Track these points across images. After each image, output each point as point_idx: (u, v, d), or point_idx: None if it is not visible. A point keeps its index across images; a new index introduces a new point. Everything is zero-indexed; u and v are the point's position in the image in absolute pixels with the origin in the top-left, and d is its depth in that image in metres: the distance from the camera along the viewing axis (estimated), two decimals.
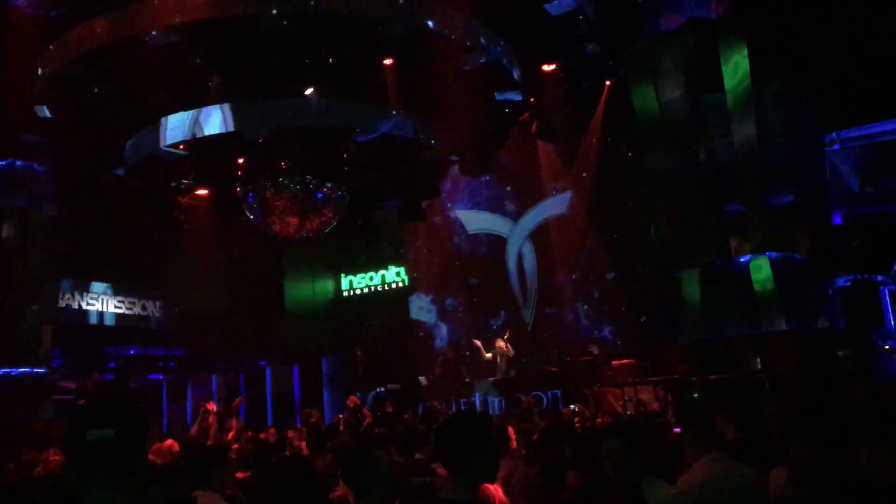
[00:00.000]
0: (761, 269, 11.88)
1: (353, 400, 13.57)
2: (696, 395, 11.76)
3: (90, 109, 13.29)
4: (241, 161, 14.14)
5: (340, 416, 13.40)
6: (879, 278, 13.53)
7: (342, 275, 24.20)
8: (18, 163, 15.28)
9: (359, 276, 23.96)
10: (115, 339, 18.71)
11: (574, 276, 20.05)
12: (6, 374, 14.78)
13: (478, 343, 19.17)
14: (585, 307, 19.94)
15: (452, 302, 22.32)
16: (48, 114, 13.42)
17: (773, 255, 11.89)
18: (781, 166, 11.84)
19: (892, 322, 14.88)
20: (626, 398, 13.76)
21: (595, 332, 19.42)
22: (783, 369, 11.43)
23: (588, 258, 19.80)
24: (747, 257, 11.99)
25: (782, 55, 11.75)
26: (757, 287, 11.87)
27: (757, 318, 11.80)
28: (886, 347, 14.48)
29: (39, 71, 12.50)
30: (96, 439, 2.11)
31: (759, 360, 12.05)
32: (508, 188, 21.61)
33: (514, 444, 7.71)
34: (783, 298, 11.79)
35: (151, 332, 19.25)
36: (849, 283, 13.16)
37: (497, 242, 21.83)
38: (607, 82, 16.63)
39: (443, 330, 22.28)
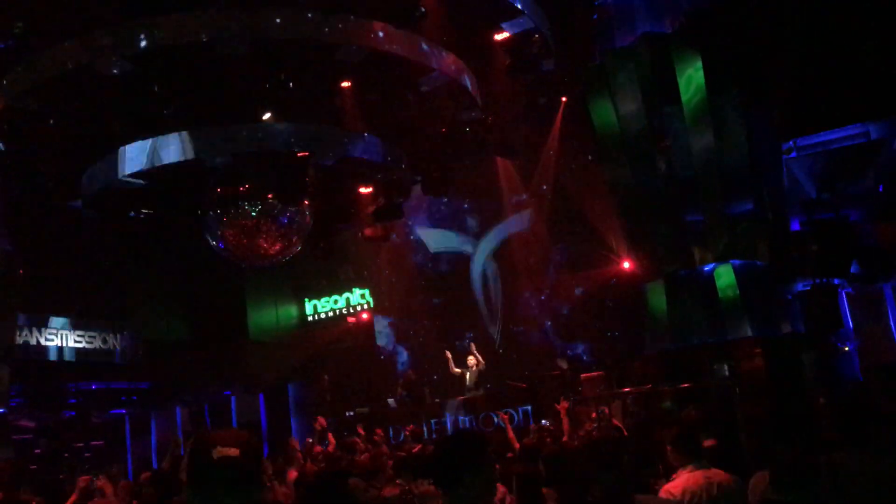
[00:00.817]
0: (725, 277, 12.04)
1: (321, 422, 13.47)
2: (668, 405, 11.83)
3: (45, 141, 13.05)
4: (200, 188, 13.98)
5: (309, 440, 13.29)
6: (837, 281, 13.80)
7: (306, 299, 23.98)
8: None
9: (323, 299, 23.77)
10: (76, 375, 18.26)
11: (542, 296, 20.12)
12: None
13: (448, 354, 19.05)
14: (550, 324, 20.03)
15: (413, 323, 22.27)
16: (1, 147, 13.17)
17: (736, 262, 12.07)
18: (740, 175, 12.03)
19: (851, 324, 15.19)
20: (598, 410, 13.78)
21: (566, 348, 19.51)
22: (750, 375, 11.56)
23: (555, 273, 19.92)
24: (710, 266, 12.15)
25: (737, 66, 11.97)
26: (721, 295, 12.02)
27: (723, 326, 11.94)
28: (846, 349, 14.76)
29: None
30: (221, 458, 2.27)
31: (726, 366, 12.17)
32: (467, 205, 21.68)
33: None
34: (747, 305, 11.95)
35: (113, 366, 18.81)
36: (808, 288, 13.39)
37: (460, 260, 21.86)
38: (563, 98, 16.82)
39: (403, 355, 22.23)
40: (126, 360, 18.95)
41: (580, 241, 19.41)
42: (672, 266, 12.50)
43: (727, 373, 12.10)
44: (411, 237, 22.39)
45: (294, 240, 14.16)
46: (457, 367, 18.51)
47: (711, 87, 11.85)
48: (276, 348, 22.91)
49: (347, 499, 3.91)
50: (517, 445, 9.55)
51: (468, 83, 13.60)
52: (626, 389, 13.86)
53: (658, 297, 12.53)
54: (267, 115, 13.31)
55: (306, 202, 14.47)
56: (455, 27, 12.57)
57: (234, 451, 2.29)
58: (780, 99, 12.43)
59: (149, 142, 12.59)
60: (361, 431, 14.35)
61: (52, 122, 12.46)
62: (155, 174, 13.13)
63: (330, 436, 13.14)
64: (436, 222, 22.12)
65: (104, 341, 18.50)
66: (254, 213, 13.46)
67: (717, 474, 5.14)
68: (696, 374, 12.07)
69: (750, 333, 11.87)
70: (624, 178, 12.82)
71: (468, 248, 21.71)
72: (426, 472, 6.52)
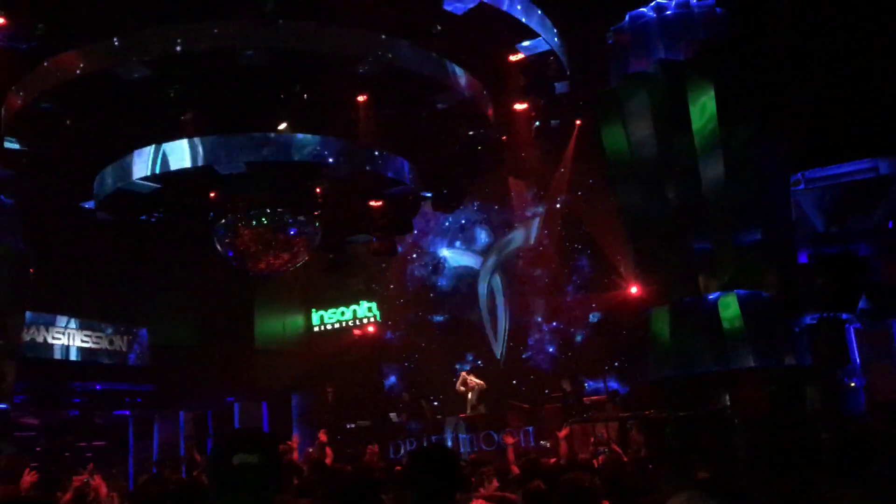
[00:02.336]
0: (730, 307, 12.02)
1: (322, 437, 13.51)
2: (667, 432, 11.79)
3: (61, 142, 13.19)
4: (212, 195, 14.08)
5: (310, 450, 13.32)
6: (845, 316, 13.73)
7: (313, 310, 24.05)
8: None
9: (330, 311, 23.84)
10: (81, 375, 18.35)
11: (553, 323, 20.03)
12: None
13: (464, 375, 18.99)
14: (553, 349, 19.94)
15: (417, 339, 22.25)
16: (18, 146, 13.33)
17: (742, 292, 12.04)
18: (749, 205, 12.04)
19: (857, 359, 15.09)
20: (597, 435, 13.76)
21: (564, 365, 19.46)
22: (752, 406, 11.52)
23: (570, 298, 19.81)
24: (716, 295, 12.13)
25: (750, 96, 12.00)
26: (725, 324, 11.99)
27: (726, 355, 11.91)
28: (852, 385, 14.66)
29: (10, 103, 12.46)
30: (241, 464, 2.35)
31: (728, 396, 12.13)
32: (476, 218, 21.69)
33: (494, 482, 7.73)
34: (751, 335, 11.91)
35: (118, 368, 18.90)
36: (815, 321, 13.34)
37: (468, 277, 21.86)
38: (577, 122, 16.87)
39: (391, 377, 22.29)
40: (132, 362, 19.04)
41: (590, 265, 19.40)
42: (677, 293, 12.49)
43: (728, 403, 12.06)
44: (423, 254, 22.43)
45: (301, 251, 14.22)
46: (460, 385, 18.57)
47: (723, 117, 11.88)
48: (281, 357, 22.98)
49: None
50: (515, 470, 9.50)
51: (483, 102, 13.67)
52: (626, 414, 13.85)
53: (662, 324, 12.51)
54: (282, 126, 13.42)
55: (316, 213, 14.55)
56: (471, 46, 12.64)
57: (253, 458, 2.38)
58: (791, 131, 12.44)
59: (163, 146, 12.70)
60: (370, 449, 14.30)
61: (69, 122, 12.58)
62: (168, 179, 13.25)
63: (328, 449, 13.17)
64: (447, 236, 22.11)
65: (111, 342, 18.61)
66: (263, 223, 13.53)
67: None
68: (698, 402, 12.04)
69: (753, 364, 11.83)
70: (634, 203, 12.84)
71: (476, 265, 21.72)
72: None
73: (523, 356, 20.45)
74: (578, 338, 19.78)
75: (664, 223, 12.42)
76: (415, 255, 22.15)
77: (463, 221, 21.75)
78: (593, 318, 19.16)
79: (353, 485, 4.55)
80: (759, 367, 11.88)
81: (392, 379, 22.50)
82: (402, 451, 17.64)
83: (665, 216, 12.38)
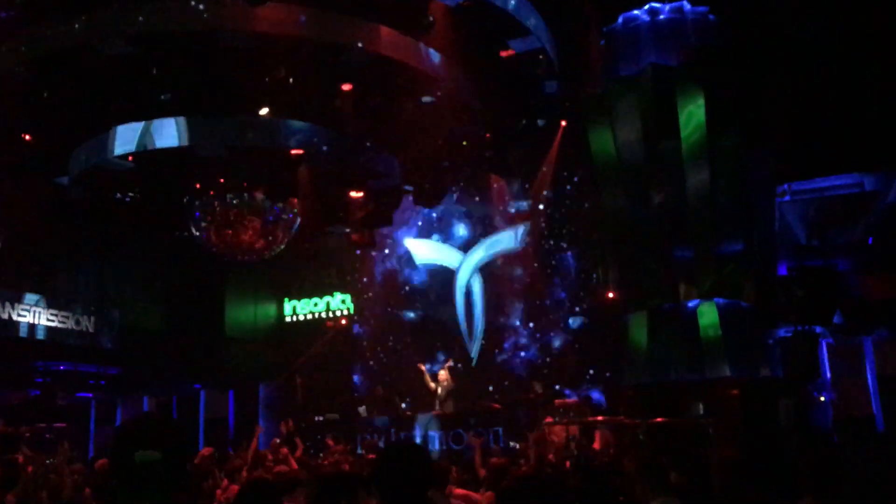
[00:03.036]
0: (708, 315, 12.00)
1: (287, 425, 13.31)
2: (640, 438, 11.74)
3: (37, 114, 12.86)
4: (190, 176, 13.83)
5: (276, 440, 13.13)
6: (819, 330, 13.78)
7: (286, 300, 23.75)
8: None
9: (303, 301, 23.54)
10: (45, 354, 17.95)
11: (532, 324, 19.90)
12: None
13: (422, 368, 18.89)
14: (530, 354, 19.82)
15: (389, 334, 22.06)
16: None
17: (720, 301, 12.03)
18: (732, 215, 12.03)
19: (829, 374, 15.17)
20: (571, 437, 13.67)
21: (542, 372, 19.34)
22: (726, 416, 11.50)
23: (551, 305, 19.66)
24: (695, 302, 12.11)
25: (738, 106, 11.99)
26: (703, 333, 11.98)
27: (702, 364, 11.89)
28: (822, 399, 14.73)
29: None
30: (143, 461, 2.28)
31: (701, 405, 12.12)
32: (459, 213, 21.46)
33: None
34: (728, 345, 11.91)
35: (83, 349, 18.50)
36: (789, 334, 13.36)
37: (444, 274, 21.68)
38: (562, 122, 16.80)
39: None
40: (98, 343, 18.66)
41: (573, 268, 19.33)
42: (656, 300, 12.45)
43: (702, 411, 12.05)
44: (396, 248, 22.20)
45: (279, 237, 14.01)
46: (430, 381, 18.42)
47: (711, 125, 11.85)
48: (250, 346, 22.65)
49: None
50: (482, 472, 9.37)
51: (470, 97, 13.55)
52: (599, 418, 13.78)
53: (639, 330, 12.47)
54: (264, 111, 13.20)
55: (295, 200, 14.35)
56: (462, 40, 12.51)
57: (155, 455, 2.29)
58: (778, 142, 12.45)
59: (142, 125, 12.44)
60: (330, 442, 14.20)
61: (45, 95, 12.27)
62: (145, 158, 12.98)
63: (298, 440, 12.99)
64: (423, 229, 21.87)
65: (77, 322, 18.21)
66: (241, 207, 13.30)
67: None
68: (671, 409, 12.01)
69: (728, 374, 11.83)
70: (617, 207, 12.78)
71: (454, 262, 21.51)
72: None
73: (498, 359, 20.30)
74: (556, 343, 19.64)
75: (647, 228, 12.37)
76: (387, 251, 21.87)
77: (434, 215, 21.46)
78: (573, 323, 19.02)
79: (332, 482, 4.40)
80: (734, 376, 11.88)
81: (358, 375, 22.26)
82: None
83: (648, 221, 12.34)
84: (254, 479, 6.37)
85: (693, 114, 11.99)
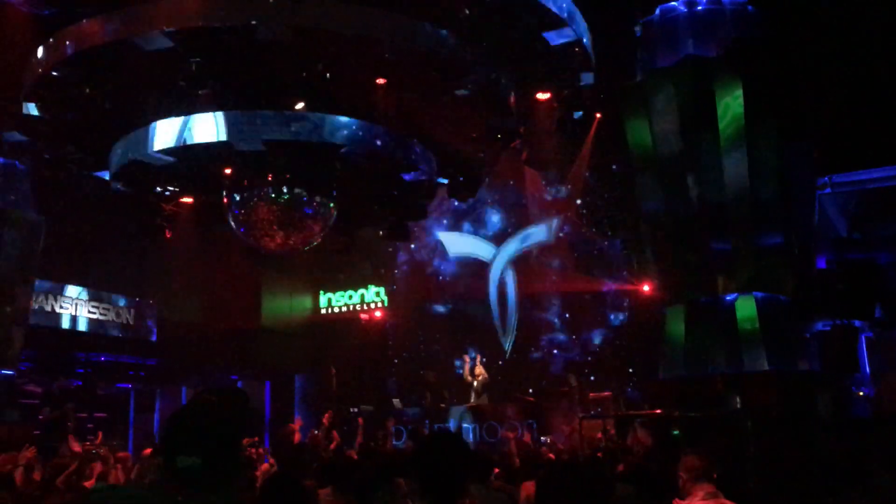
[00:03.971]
0: (746, 309, 11.85)
1: (327, 417, 13.47)
2: (676, 432, 11.68)
3: (80, 110, 13.08)
4: (228, 171, 13.98)
5: (317, 431, 13.28)
6: (858, 324, 13.57)
7: (321, 292, 23.98)
8: (0, 160, 14.99)
9: (338, 294, 23.76)
10: (86, 345, 18.33)
11: (567, 315, 19.80)
12: None
13: (466, 358, 18.95)
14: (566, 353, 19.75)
15: (424, 327, 22.11)
16: (36, 112, 13.22)
17: (759, 294, 11.88)
18: (771, 207, 11.85)
19: (868, 369, 14.96)
20: (604, 431, 13.67)
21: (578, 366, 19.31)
22: (764, 409, 11.38)
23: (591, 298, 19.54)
24: (733, 296, 11.97)
25: (778, 97, 11.81)
26: (741, 326, 11.83)
27: (739, 358, 11.74)
28: (861, 394, 14.53)
29: (31, 68, 12.35)
30: (185, 466, 2.32)
31: (739, 399, 11.99)
32: (492, 204, 21.40)
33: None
34: (766, 338, 11.75)
35: (123, 340, 18.88)
36: (828, 328, 13.18)
37: (478, 267, 21.68)
38: (597, 114, 16.70)
39: None
40: (137, 335, 19.00)
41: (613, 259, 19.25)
42: (694, 293, 12.31)
43: (739, 405, 11.93)
44: (428, 239, 22.25)
45: (316, 230, 14.12)
46: (468, 374, 18.50)
47: (750, 116, 11.69)
48: (286, 338, 22.94)
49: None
50: (517, 462, 9.43)
51: (504, 90, 13.52)
52: (633, 412, 13.74)
53: (677, 323, 12.34)
54: (299, 105, 13.29)
55: (332, 194, 14.45)
56: (496, 32, 12.49)
57: (196, 460, 2.32)
58: (819, 134, 12.25)
59: (181, 120, 12.60)
60: (361, 421, 14.31)
61: (88, 91, 12.46)
62: (184, 153, 13.16)
63: (335, 433, 13.14)
64: (454, 217, 21.86)
65: (118, 315, 18.58)
66: (279, 201, 13.43)
67: None
68: (708, 403, 11.91)
69: (766, 367, 11.68)
70: (654, 199, 12.67)
71: (487, 255, 21.51)
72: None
73: (533, 355, 20.24)
74: (597, 339, 19.53)
75: (684, 221, 12.25)
76: (418, 242, 21.92)
77: (477, 208, 21.41)
78: (615, 319, 18.90)
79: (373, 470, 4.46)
80: (772, 370, 11.74)
81: (392, 367, 22.35)
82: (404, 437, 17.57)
83: (686, 214, 12.20)
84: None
85: (730, 105, 11.83)
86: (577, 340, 19.62)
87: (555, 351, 19.78)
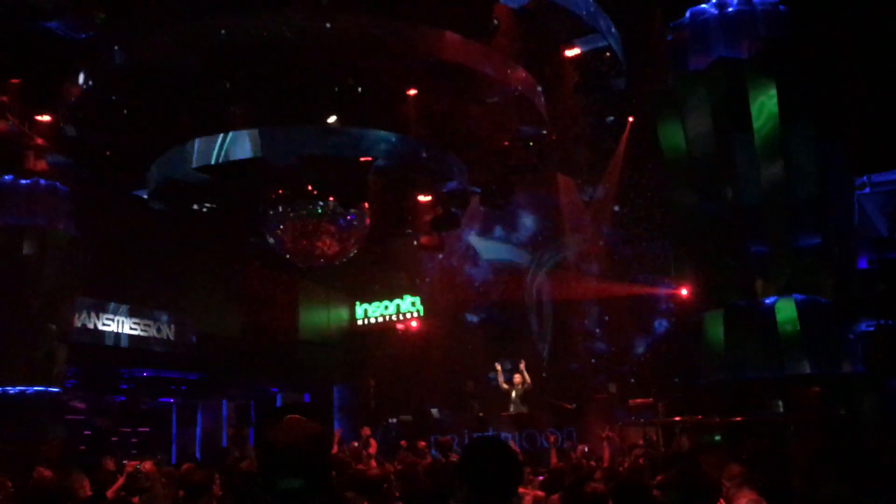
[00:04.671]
0: (785, 311, 11.70)
1: (366, 431, 13.57)
2: (717, 438, 11.57)
3: (117, 130, 13.34)
4: (264, 186, 14.17)
5: (356, 443, 13.36)
6: None
7: (357, 303, 24.11)
8: (42, 181, 15.33)
9: (374, 304, 23.86)
10: (129, 361, 18.63)
11: (612, 348, 19.63)
12: (21, 393, 14.70)
13: (498, 367, 18.95)
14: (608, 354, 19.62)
15: (461, 335, 22.12)
16: (74, 133, 13.52)
17: (798, 297, 11.73)
18: (808, 208, 11.72)
19: None
20: (646, 437, 13.56)
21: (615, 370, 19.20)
22: (807, 413, 11.23)
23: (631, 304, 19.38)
24: (772, 299, 11.83)
25: (813, 96, 11.68)
26: (781, 329, 11.69)
27: (781, 361, 11.60)
28: None
29: (69, 91, 12.63)
30: (287, 489, 2.38)
31: (781, 403, 11.84)
32: (526, 216, 21.39)
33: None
34: (807, 341, 11.59)
35: (165, 355, 19.16)
36: (871, 329, 12.97)
37: (513, 272, 21.66)
38: (630, 118, 16.64)
39: None
40: (179, 350, 19.27)
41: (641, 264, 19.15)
42: (732, 296, 12.19)
43: (782, 409, 11.78)
44: (461, 244, 22.26)
45: (351, 242, 14.25)
46: (504, 382, 18.43)
47: (784, 117, 11.57)
48: (324, 349, 23.10)
49: None
50: (562, 468, 9.42)
51: (535, 98, 13.54)
52: (676, 418, 13.60)
53: (716, 328, 12.22)
54: (332, 119, 13.43)
55: (366, 206, 14.57)
56: (526, 40, 12.51)
57: (298, 483, 2.39)
58: (856, 133, 12.09)
59: (217, 138, 12.80)
60: (403, 444, 14.32)
61: (125, 112, 12.71)
62: (220, 170, 13.35)
63: (372, 440, 13.20)
64: (486, 222, 21.84)
65: (159, 330, 18.86)
66: (314, 215, 13.57)
67: None
68: (749, 408, 11.78)
69: (808, 370, 11.52)
70: (689, 202, 12.58)
71: (521, 260, 21.50)
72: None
73: (572, 364, 20.11)
74: (640, 349, 19.33)
75: (720, 224, 12.15)
76: (451, 249, 21.92)
77: (510, 217, 21.42)
78: (659, 326, 18.73)
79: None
80: (814, 373, 11.57)
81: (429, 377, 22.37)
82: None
83: (721, 216, 12.11)
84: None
85: (765, 105, 11.72)
86: (617, 348, 19.48)
87: (592, 360, 19.65)
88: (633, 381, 18.39)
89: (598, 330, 20.11)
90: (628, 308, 19.52)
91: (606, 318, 19.90)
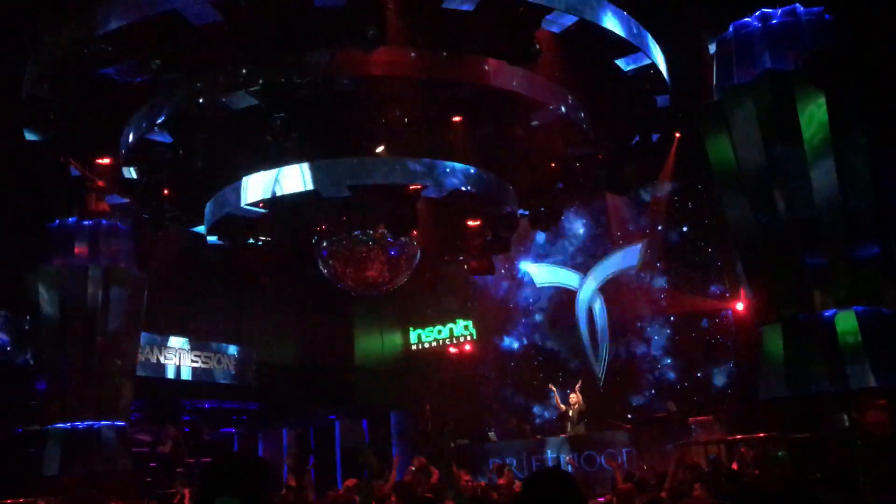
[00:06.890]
0: (847, 324, 11.47)
1: (419, 461, 13.59)
2: (780, 454, 11.36)
3: (173, 170, 13.73)
4: (316, 217, 14.43)
5: (412, 467, 13.40)
6: None
7: (410, 328, 24.27)
8: (104, 222, 15.86)
9: (427, 329, 24.00)
10: (191, 393, 19.04)
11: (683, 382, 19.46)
12: (89, 427, 15.14)
13: (553, 388, 18.89)
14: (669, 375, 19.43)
15: (515, 357, 22.10)
16: (134, 175, 13.96)
17: (859, 308, 11.49)
18: (865, 217, 11.52)
19: None
20: (710, 457, 13.35)
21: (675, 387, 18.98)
22: (874, 428, 10.96)
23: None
24: (832, 311, 11.61)
25: (863, 105, 11.52)
26: (842, 342, 11.45)
27: (844, 375, 11.35)
28: None
29: (126, 134, 13.07)
30: None
31: (846, 417, 11.57)
32: (577, 224, 21.35)
33: None
34: (871, 354, 11.34)
35: (225, 387, 19.54)
36: None
37: (565, 295, 21.59)
38: (676, 134, 16.55)
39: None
40: (239, 381, 19.62)
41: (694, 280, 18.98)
42: (790, 309, 12.00)
43: (847, 424, 11.51)
44: (516, 271, 22.31)
45: (403, 270, 14.40)
46: (561, 402, 18.38)
47: (835, 126, 11.42)
48: (380, 375, 23.28)
49: None
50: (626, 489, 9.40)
51: (580, 118, 13.57)
52: (738, 437, 13.39)
53: (775, 342, 12.04)
54: (380, 149, 13.65)
55: (415, 233, 14.72)
56: (569, 61, 12.56)
57: (235, 500, 2.47)
58: None
59: (269, 173, 13.11)
60: (456, 470, 14.26)
61: (180, 151, 13.08)
62: (273, 204, 13.65)
63: (432, 468, 13.23)
64: (541, 255, 21.93)
65: (218, 362, 19.24)
66: (365, 244, 13.77)
67: None
68: (813, 423, 11.54)
69: (874, 383, 11.25)
70: (741, 216, 12.46)
71: (573, 283, 21.44)
72: None
73: (630, 400, 19.98)
74: (720, 381, 19.03)
75: (774, 236, 11.99)
76: (503, 272, 21.94)
77: (560, 239, 21.45)
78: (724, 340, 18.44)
79: None
80: (879, 386, 11.29)
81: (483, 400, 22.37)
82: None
83: (775, 229, 11.95)
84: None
85: (815, 115, 11.58)
86: (690, 382, 19.27)
87: (653, 390, 19.47)
88: (695, 398, 18.13)
89: (657, 351, 19.89)
90: (686, 324, 19.31)
91: (676, 337, 19.67)
